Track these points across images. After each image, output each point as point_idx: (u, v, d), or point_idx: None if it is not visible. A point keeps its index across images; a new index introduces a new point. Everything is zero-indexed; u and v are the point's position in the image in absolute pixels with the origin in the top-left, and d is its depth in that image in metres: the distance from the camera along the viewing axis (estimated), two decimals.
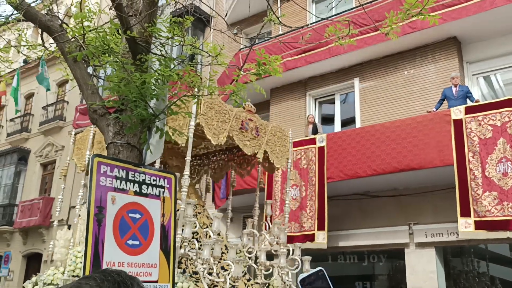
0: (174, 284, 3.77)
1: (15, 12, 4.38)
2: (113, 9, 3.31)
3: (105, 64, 3.35)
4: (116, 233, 3.49)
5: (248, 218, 8.78)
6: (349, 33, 3.74)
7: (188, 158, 6.16)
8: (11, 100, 20.06)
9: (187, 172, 6.21)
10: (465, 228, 8.51)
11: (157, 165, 5.78)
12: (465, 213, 8.54)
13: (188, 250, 6.12)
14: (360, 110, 11.87)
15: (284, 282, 7.38)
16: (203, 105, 6.55)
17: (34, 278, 8.77)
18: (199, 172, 9.70)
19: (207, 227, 7.59)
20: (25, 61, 20.83)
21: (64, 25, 4.15)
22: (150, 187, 3.78)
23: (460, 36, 10.76)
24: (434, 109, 9.96)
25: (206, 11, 15.69)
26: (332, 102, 13.03)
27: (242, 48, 13.51)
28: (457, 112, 9.09)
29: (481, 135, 8.72)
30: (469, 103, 9.62)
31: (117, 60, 3.26)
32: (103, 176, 3.50)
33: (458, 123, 9.00)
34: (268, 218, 8.27)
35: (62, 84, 21.92)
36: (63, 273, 8.32)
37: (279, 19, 3.66)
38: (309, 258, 7.59)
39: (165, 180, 3.92)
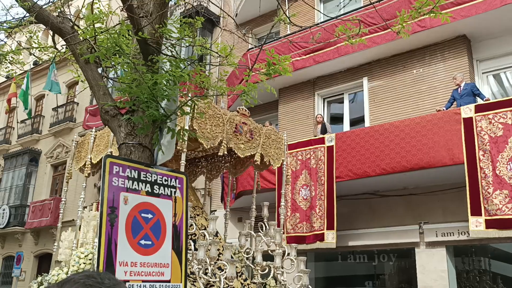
0: (186, 284, 3.79)
1: (27, 14, 4.42)
2: (124, 10, 3.33)
3: (117, 65, 3.37)
4: (128, 233, 3.52)
5: (246, 220, 8.91)
6: (359, 32, 3.74)
7: (183, 162, 6.17)
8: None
9: None
10: (476, 227, 8.46)
11: None
12: (476, 212, 8.49)
13: None
14: (369, 109, 11.83)
15: (280, 282, 7.46)
16: (197, 109, 6.59)
17: (39, 278, 9.04)
18: (196, 173, 9.82)
19: (205, 228, 7.65)
20: (35, 63, 21.01)
21: (76, 27, 4.18)
22: (161, 187, 3.81)
23: (470, 34, 10.68)
24: (444, 109, 9.90)
25: (214, 12, 15.72)
26: (341, 101, 13.00)
27: (251, 48, 13.52)
28: (467, 111, 9.03)
29: (491, 133, 8.66)
30: (479, 101, 9.56)
31: (129, 61, 3.28)
32: (115, 176, 3.53)
33: (468, 122, 8.94)
34: (265, 220, 8.34)
35: (72, 85, 22.07)
36: (66, 273, 8.47)
37: (289, 18, 3.67)
38: (304, 258, 7.65)
39: (177, 180, 3.95)
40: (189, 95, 3.71)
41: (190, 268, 6.63)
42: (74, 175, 10.89)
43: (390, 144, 9.64)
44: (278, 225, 10.09)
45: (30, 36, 5.01)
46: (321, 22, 12.51)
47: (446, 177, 9.49)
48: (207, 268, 6.23)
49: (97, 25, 3.78)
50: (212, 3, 8.97)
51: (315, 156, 10.74)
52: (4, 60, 5.09)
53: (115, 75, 4.26)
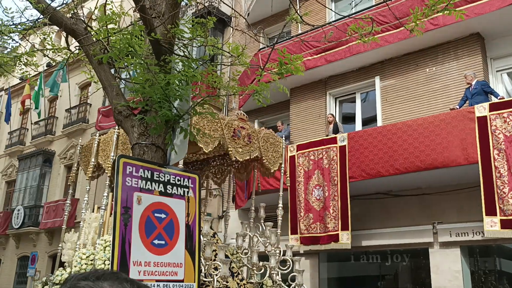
0: (199, 283, 3.80)
1: (41, 16, 4.46)
2: (137, 11, 3.35)
3: (130, 66, 3.39)
4: (142, 232, 3.53)
5: (243, 221, 9.02)
6: (371, 30, 3.71)
7: (181, 165, 6.27)
8: None
9: None
10: (491, 227, 8.36)
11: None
12: (491, 211, 8.39)
13: None
14: (382, 109, 11.76)
15: (275, 282, 7.59)
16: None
17: (44, 278, 9.24)
18: (200, 177, 9.90)
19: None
20: (48, 65, 21.23)
21: (89, 28, 4.21)
22: (174, 187, 3.82)
23: (484, 32, 10.57)
24: (458, 107, 9.80)
25: (225, 12, 15.75)
26: (353, 101, 12.94)
27: (262, 48, 13.51)
28: (481, 109, 8.92)
29: (506, 132, 8.55)
30: (493, 99, 9.45)
31: (142, 61, 3.30)
32: (128, 176, 3.55)
33: (482, 120, 8.83)
34: (262, 221, 8.41)
35: (84, 87, 22.27)
36: (69, 273, 8.62)
37: (301, 18, 3.66)
38: (300, 258, 7.76)
39: (189, 180, 3.95)
40: (201, 95, 3.71)
41: None
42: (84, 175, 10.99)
43: (404, 143, 9.56)
44: (292, 227, 10.16)
45: (44, 38, 5.06)
46: (332, 21, 12.47)
47: (460, 176, 9.39)
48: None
49: (110, 26, 3.80)
50: (223, 3, 9.00)
51: (327, 156, 10.70)
52: (18, 62, 5.16)
53: (127, 76, 4.28)
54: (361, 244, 10.83)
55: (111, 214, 9.17)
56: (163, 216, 3.68)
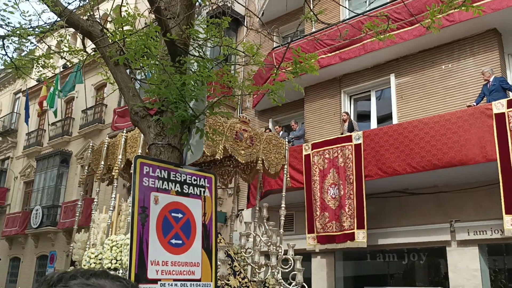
0: (216, 283, 3.81)
1: (58, 19, 4.52)
2: (152, 12, 3.38)
3: (146, 67, 3.41)
4: (159, 232, 3.56)
5: (246, 221, 9.20)
6: (387, 28, 3.68)
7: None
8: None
9: None
10: (511, 225, 8.24)
11: None
12: (511, 209, 8.27)
13: None
14: (397, 106, 11.66)
15: (277, 280, 7.77)
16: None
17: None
18: None
19: None
20: (65, 66, 21.47)
21: (105, 30, 4.25)
22: (191, 187, 3.84)
23: (501, 28, 10.40)
24: (475, 104, 9.68)
25: (239, 11, 15.76)
26: (368, 98, 12.85)
27: (276, 47, 13.50)
28: (499, 106, 8.79)
29: None
30: (511, 95, 9.31)
31: (158, 62, 3.32)
32: (145, 176, 3.58)
33: (500, 117, 8.71)
34: (265, 220, 8.50)
35: (100, 88, 22.48)
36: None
37: (316, 16, 3.64)
38: (300, 257, 7.85)
39: (206, 180, 3.97)
40: (216, 95, 3.73)
41: None
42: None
43: (420, 141, 9.47)
44: (309, 226, 10.20)
45: (61, 40, 5.12)
46: (346, 19, 12.40)
47: (478, 174, 9.27)
48: None
49: (125, 27, 3.83)
50: (237, 2, 9.00)
51: (342, 155, 10.65)
52: (36, 64, 5.23)
53: (141, 76, 4.32)
54: (377, 242, 10.77)
55: (118, 214, 9.48)
56: (180, 215, 3.71)
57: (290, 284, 7.84)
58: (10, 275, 24.54)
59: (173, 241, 3.62)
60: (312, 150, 11.31)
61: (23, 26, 4.64)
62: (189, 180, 3.81)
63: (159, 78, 3.39)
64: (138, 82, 4.90)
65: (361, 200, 10.09)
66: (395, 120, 11.45)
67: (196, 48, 3.67)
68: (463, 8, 3.15)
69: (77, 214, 10.12)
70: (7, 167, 27.63)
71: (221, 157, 7.78)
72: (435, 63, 11.24)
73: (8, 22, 4.67)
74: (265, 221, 8.51)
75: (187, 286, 3.63)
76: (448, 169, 9.17)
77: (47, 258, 21.51)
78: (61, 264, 20.82)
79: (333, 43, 11.90)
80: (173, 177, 3.70)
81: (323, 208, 10.74)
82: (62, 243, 21.33)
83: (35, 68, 5.41)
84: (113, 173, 9.18)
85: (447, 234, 9.95)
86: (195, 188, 3.85)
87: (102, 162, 9.20)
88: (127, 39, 3.74)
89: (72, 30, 5.19)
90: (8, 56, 4.99)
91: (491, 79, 9.65)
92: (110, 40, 4.15)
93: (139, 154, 8.16)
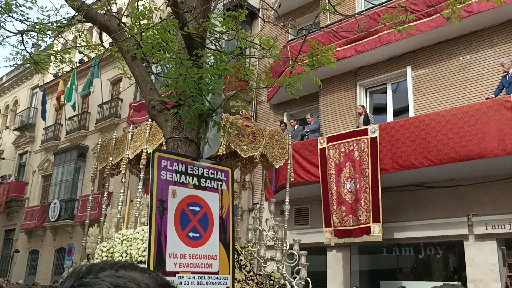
0: (234, 276, 3.83)
1: (76, 13, 4.55)
2: (169, 6, 3.37)
3: (163, 61, 3.42)
4: (177, 225, 3.58)
5: (253, 217, 9.36)
6: (406, 19, 3.64)
7: None
8: None
9: None
10: None
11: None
12: None
13: None
14: (414, 99, 11.53)
15: (281, 274, 7.96)
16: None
17: (70, 269, 9.80)
18: None
19: None
20: (81, 61, 21.67)
21: (122, 24, 4.27)
22: (208, 180, 3.85)
23: None
24: (493, 96, 9.52)
25: (253, 4, 15.71)
26: (384, 91, 12.74)
27: (291, 40, 13.43)
28: None
29: None
30: None
31: (175, 56, 3.32)
32: (163, 170, 3.60)
33: None
34: (271, 216, 8.61)
35: (116, 82, 22.65)
36: (92, 265, 9.26)
37: (334, 8, 3.61)
38: (305, 252, 7.94)
39: (222, 173, 3.98)
40: (233, 88, 3.72)
41: None
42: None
43: (437, 134, 9.36)
44: (326, 220, 10.25)
45: (79, 34, 5.16)
46: (362, 11, 12.27)
47: (496, 167, 9.15)
48: None
49: (142, 21, 3.84)
50: None
51: (358, 148, 10.58)
52: (55, 59, 5.28)
53: (157, 70, 4.33)
54: (393, 236, 10.71)
55: (129, 209, 9.84)
56: (197, 209, 3.72)
57: (294, 278, 8.00)
58: (29, 268, 24.99)
59: (191, 234, 3.64)
60: (327, 143, 11.26)
61: (42, 21, 4.68)
62: (206, 173, 3.82)
63: (176, 72, 3.40)
64: (155, 76, 4.91)
65: (376, 193, 10.03)
66: (411, 113, 11.33)
67: (213, 42, 3.67)
68: None
69: (88, 209, 10.56)
70: (25, 161, 28.06)
71: (224, 153, 7.93)
72: (452, 55, 11.08)
73: (27, 18, 4.74)
74: (272, 216, 8.67)
75: (204, 279, 3.65)
76: (466, 162, 9.06)
77: (65, 251, 21.82)
78: (78, 257, 21.10)
79: (348, 35, 11.80)
80: (190, 170, 3.71)
81: (340, 202, 10.71)
82: (79, 236, 21.61)
83: (54, 63, 5.47)
84: (120, 168, 9.52)
85: (465, 228, 9.85)
86: (212, 181, 3.86)
87: (111, 158, 9.51)
88: (144, 33, 3.75)
89: (88, 24, 5.23)
90: (27, 51, 5.06)
91: (510, 71, 9.49)
92: (127, 35, 4.16)
93: (146, 148, 8.53)
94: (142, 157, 8.93)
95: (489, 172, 9.45)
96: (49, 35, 4.82)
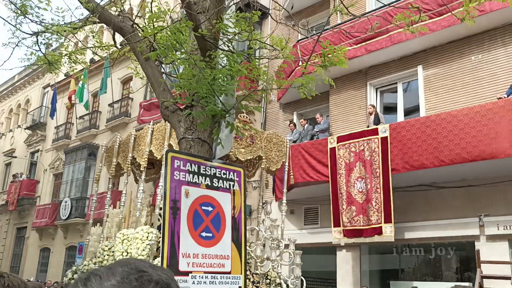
0: (246, 275, 3.85)
1: (89, 15, 4.59)
2: (183, 8, 3.40)
3: (177, 62, 3.44)
4: (190, 225, 3.61)
5: (251, 216, 9.53)
6: (419, 19, 3.63)
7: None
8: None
9: None
10: None
11: None
12: None
13: None
14: (425, 99, 11.47)
15: (277, 273, 8.16)
16: None
17: (74, 267, 10.36)
18: None
19: None
20: (92, 60, 21.82)
21: (135, 25, 4.30)
22: (220, 181, 3.87)
23: None
24: (505, 96, 9.45)
25: (263, 4, 15.71)
26: (394, 91, 12.68)
27: (301, 40, 13.42)
28: None
29: None
30: None
31: (189, 57, 3.35)
32: (176, 170, 3.62)
33: None
34: (268, 216, 8.76)
35: (126, 81, 22.78)
36: (94, 263, 9.70)
37: (347, 9, 3.61)
38: (300, 252, 8.15)
39: (235, 174, 4.00)
40: (246, 89, 3.74)
41: None
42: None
43: (449, 134, 9.31)
44: (335, 219, 10.32)
45: (92, 35, 5.21)
46: (372, 10, 12.23)
47: (508, 167, 9.08)
48: None
49: (156, 23, 3.87)
50: None
51: (369, 148, 10.55)
52: (69, 60, 5.34)
53: (168, 70, 4.36)
54: (404, 236, 10.67)
55: (129, 210, 10.20)
56: (210, 209, 3.75)
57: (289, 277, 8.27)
58: (41, 265, 25.23)
59: (204, 234, 3.66)
60: (337, 143, 11.24)
61: (56, 22, 4.74)
62: (218, 173, 3.84)
63: (189, 73, 3.42)
64: (167, 76, 4.94)
65: (388, 194, 10.00)
66: (422, 113, 11.28)
67: (226, 43, 3.69)
68: None
69: (92, 209, 11.05)
70: (37, 160, 28.32)
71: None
72: (464, 54, 11.01)
73: (42, 19, 4.79)
74: (268, 216, 8.87)
75: (217, 279, 3.67)
76: (478, 162, 9.00)
77: (75, 249, 22.00)
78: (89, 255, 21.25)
79: (359, 34, 11.76)
80: (203, 170, 3.73)
81: (349, 201, 10.68)
82: None
83: (68, 64, 5.52)
84: (124, 170, 9.94)
85: (476, 228, 9.79)
86: (225, 181, 3.88)
87: (114, 160, 9.91)
88: (158, 34, 3.78)
89: (99, 24, 5.27)
90: (41, 52, 5.11)
91: None
92: (140, 36, 4.20)
93: (147, 151, 8.87)
94: (142, 160, 9.21)
95: (501, 172, 9.38)
96: (63, 36, 4.87)
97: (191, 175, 3.68)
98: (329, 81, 3.90)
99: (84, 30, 5.43)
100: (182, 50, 3.56)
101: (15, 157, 28.99)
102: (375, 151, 10.41)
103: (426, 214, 10.55)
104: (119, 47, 5.17)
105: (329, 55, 3.96)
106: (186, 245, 3.54)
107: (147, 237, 8.74)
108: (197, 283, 3.55)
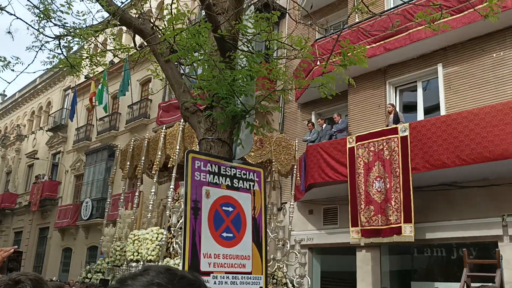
0: (267, 276, 3.85)
1: (110, 17, 4.65)
2: (203, 9, 3.42)
3: (197, 63, 3.47)
4: (211, 225, 3.63)
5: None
6: (441, 17, 3.58)
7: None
8: None
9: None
10: None
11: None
12: None
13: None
14: (445, 97, 11.31)
15: (283, 273, 8.35)
16: None
17: (88, 267, 10.73)
18: None
19: None
20: (111, 62, 22.09)
21: (155, 28, 4.34)
22: (241, 181, 3.88)
23: None
24: None
25: (280, 4, 15.69)
26: (414, 89, 12.54)
27: (319, 39, 13.36)
28: None
29: None
30: None
31: (209, 58, 3.37)
32: (197, 171, 3.65)
33: None
34: (274, 217, 8.86)
35: (145, 83, 22.98)
36: (107, 263, 10.15)
37: (368, 7, 3.59)
38: (305, 252, 8.48)
39: (255, 174, 4.01)
40: (267, 90, 3.74)
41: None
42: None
43: (470, 133, 9.17)
44: (353, 219, 10.31)
45: (113, 38, 5.28)
46: (391, 8, 12.13)
47: None
48: None
49: (176, 25, 3.90)
50: None
51: (388, 147, 10.46)
52: (90, 62, 5.42)
53: (195, 73, 4.40)
54: (425, 237, 10.54)
55: (141, 211, 10.57)
56: (230, 209, 3.76)
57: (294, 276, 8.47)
58: (63, 265, 25.62)
59: (224, 234, 3.68)
60: (356, 142, 11.17)
61: (78, 26, 4.81)
62: (238, 174, 3.86)
63: (209, 74, 3.44)
64: (186, 76, 4.98)
65: (408, 193, 9.89)
66: (442, 111, 11.13)
67: (245, 43, 3.70)
68: None
69: (106, 210, 11.58)
70: (58, 161, 28.77)
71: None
72: (485, 52, 10.82)
73: (64, 23, 4.87)
74: (274, 217, 9.04)
75: (238, 279, 3.68)
76: (500, 161, 8.84)
77: (97, 249, 22.26)
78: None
79: (377, 33, 11.66)
80: (223, 171, 3.75)
81: (368, 201, 10.60)
82: None
83: (89, 67, 5.61)
84: (136, 173, 10.41)
85: (499, 228, 9.62)
86: (245, 182, 3.89)
87: (128, 163, 10.36)
88: (178, 36, 3.81)
89: (118, 27, 5.34)
90: (63, 55, 5.20)
91: None
92: (160, 38, 4.23)
93: (159, 156, 9.23)
94: (155, 163, 9.47)
95: None
96: (85, 38, 4.95)
97: (211, 175, 3.70)
98: (349, 81, 3.88)
99: (105, 32, 5.51)
100: (202, 52, 3.58)
101: (38, 158, 29.52)
102: (394, 150, 10.31)
103: (448, 214, 10.41)
104: (139, 49, 5.22)
105: (348, 54, 3.94)
106: (207, 245, 3.56)
107: (156, 237, 8.94)
108: (218, 283, 3.57)
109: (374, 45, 12.15)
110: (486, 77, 10.66)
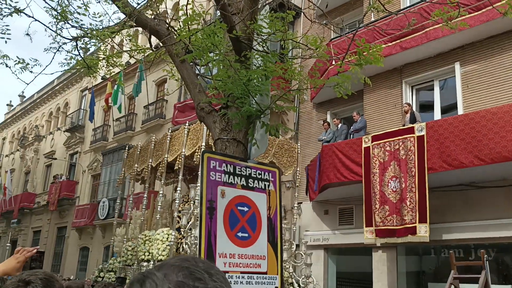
0: (282, 276, 3.84)
1: (126, 18, 4.69)
2: (218, 9, 3.42)
3: (212, 63, 3.48)
4: (226, 225, 3.63)
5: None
6: (458, 15, 3.54)
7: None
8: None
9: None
10: None
11: None
12: None
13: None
14: (462, 96, 11.17)
15: (289, 273, 8.49)
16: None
17: (100, 266, 10.93)
18: None
19: None
20: (127, 63, 22.30)
21: (170, 28, 4.37)
22: (256, 181, 3.88)
23: None
24: None
25: (295, 4, 15.66)
26: (431, 88, 12.40)
27: (334, 38, 13.30)
28: None
29: None
30: None
31: (224, 58, 3.38)
32: (212, 171, 3.66)
33: None
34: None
35: (161, 83, 23.14)
36: (119, 262, 10.37)
37: (384, 6, 3.56)
38: (311, 253, 8.53)
39: (270, 174, 4.00)
40: (281, 89, 3.74)
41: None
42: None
43: (488, 132, 9.03)
44: (367, 219, 10.29)
45: (129, 39, 5.33)
46: (407, 7, 12.01)
47: None
48: None
49: (192, 26, 3.92)
50: None
51: (404, 147, 10.36)
52: (107, 63, 5.49)
53: (211, 74, 4.43)
54: (441, 237, 10.41)
55: (153, 211, 10.80)
56: (245, 209, 3.76)
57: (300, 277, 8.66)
58: (80, 264, 25.93)
59: (240, 234, 3.68)
60: (372, 142, 11.09)
61: (95, 27, 4.88)
62: (254, 174, 3.86)
63: (224, 74, 3.45)
64: (201, 77, 5.00)
65: (423, 193, 9.78)
66: (460, 111, 10.99)
67: (260, 43, 3.70)
68: None
69: (116, 211, 11.89)
70: (75, 161, 29.13)
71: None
72: (504, 50, 10.66)
73: (81, 24, 4.94)
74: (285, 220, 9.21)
75: (253, 279, 3.68)
76: None
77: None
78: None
79: (393, 32, 11.55)
80: (238, 171, 3.75)
81: (383, 201, 10.52)
82: None
83: (106, 68, 5.68)
84: (143, 175, 10.61)
85: None
86: (260, 182, 3.89)
87: (136, 165, 10.71)
88: (193, 36, 3.82)
89: (134, 28, 5.38)
90: (81, 56, 5.27)
91: None
92: (176, 38, 4.25)
93: (166, 158, 9.46)
94: (161, 165, 9.60)
95: None
96: (102, 40, 5.02)
97: (227, 175, 3.70)
98: (365, 80, 3.85)
99: (121, 34, 5.57)
100: (217, 52, 3.59)
101: (55, 158, 29.92)
102: (410, 150, 10.21)
103: (465, 215, 10.27)
104: (154, 50, 5.26)
105: (364, 54, 3.92)
106: (222, 245, 3.56)
107: (167, 238, 9.08)
108: (234, 283, 3.57)
109: (390, 44, 12.05)
110: (505, 75, 10.49)
